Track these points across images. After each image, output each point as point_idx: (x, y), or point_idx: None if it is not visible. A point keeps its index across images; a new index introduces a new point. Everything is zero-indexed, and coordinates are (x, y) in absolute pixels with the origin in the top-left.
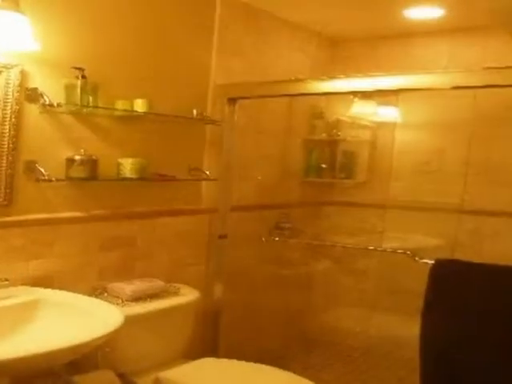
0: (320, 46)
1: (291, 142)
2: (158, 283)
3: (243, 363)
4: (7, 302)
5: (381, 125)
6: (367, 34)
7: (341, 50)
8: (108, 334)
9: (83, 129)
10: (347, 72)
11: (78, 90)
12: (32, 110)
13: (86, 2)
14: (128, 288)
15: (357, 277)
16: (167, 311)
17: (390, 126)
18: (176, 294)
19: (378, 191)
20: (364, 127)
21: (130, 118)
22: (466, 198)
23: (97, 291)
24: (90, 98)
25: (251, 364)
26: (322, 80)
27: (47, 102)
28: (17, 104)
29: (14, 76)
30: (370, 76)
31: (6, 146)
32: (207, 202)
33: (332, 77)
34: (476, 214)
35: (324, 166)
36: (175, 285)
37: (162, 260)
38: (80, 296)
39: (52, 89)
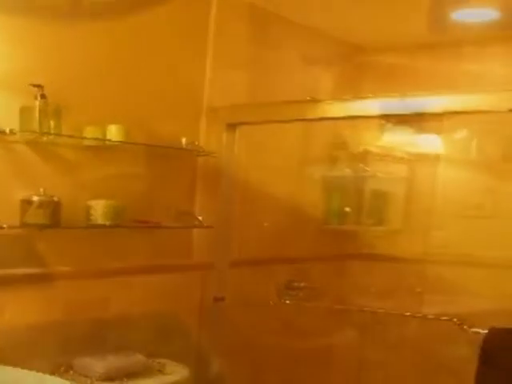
0: (343, 58)
1: (307, 180)
2: (138, 358)
3: None
4: None
5: (420, 158)
6: (403, 43)
7: (370, 63)
8: None
9: (43, 162)
10: (377, 91)
11: (37, 114)
12: None
13: None
14: (99, 365)
15: (389, 350)
16: None
17: (432, 160)
18: (160, 371)
19: (416, 242)
20: (399, 161)
21: (102, 148)
22: None
23: (60, 369)
24: (52, 124)
25: None
26: (346, 101)
27: None
28: None
29: None
30: (407, 96)
31: None
32: (200, 256)
33: (358, 97)
34: None
35: (348, 209)
36: (159, 360)
37: (142, 328)
38: (39, 375)
39: (3, 111)
